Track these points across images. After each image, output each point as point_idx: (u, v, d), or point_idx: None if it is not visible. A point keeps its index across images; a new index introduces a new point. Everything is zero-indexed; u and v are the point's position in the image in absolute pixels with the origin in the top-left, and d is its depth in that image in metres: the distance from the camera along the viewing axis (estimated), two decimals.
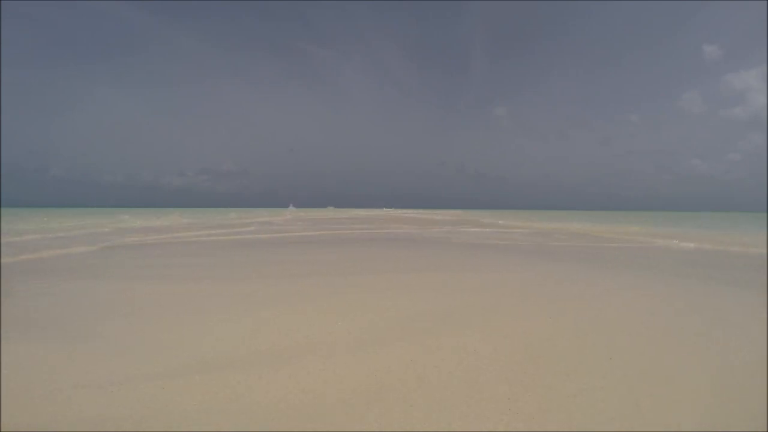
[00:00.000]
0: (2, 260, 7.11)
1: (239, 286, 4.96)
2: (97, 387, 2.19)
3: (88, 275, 5.72)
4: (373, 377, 2.31)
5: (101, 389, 2.16)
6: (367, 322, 3.35)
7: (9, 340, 2.91)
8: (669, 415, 1.91)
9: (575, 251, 9.22)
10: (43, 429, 1.80)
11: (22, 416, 1.90)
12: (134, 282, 5.22)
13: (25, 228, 16.17)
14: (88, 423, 1.85)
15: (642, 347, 2.78)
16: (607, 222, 27.52)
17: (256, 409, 1.97)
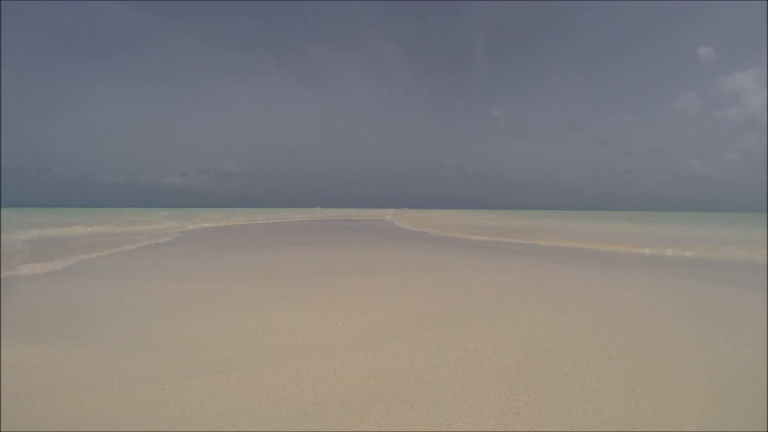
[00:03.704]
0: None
1: (239, 286, 4.96)
2: (97, 387, 2.19)
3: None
4: (373, 377, 2.31)
5: (101, 390, 2.16)
6: (367, 322, 3.35)
7: (9, 340, 2.91)
8: (669, 415, 1.91)
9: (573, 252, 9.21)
10: (43, 429, 1.80)
11: (22, 416, 1.90)
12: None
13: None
14: (88, 423, 1.84)
15: (641, 347, 2.77)
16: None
17: (256, 409, 1.96)
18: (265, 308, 3.84)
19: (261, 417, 1.89)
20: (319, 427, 1.82)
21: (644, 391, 2.13)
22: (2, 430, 1.79)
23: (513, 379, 2.26)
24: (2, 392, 2.12)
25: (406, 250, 9.48)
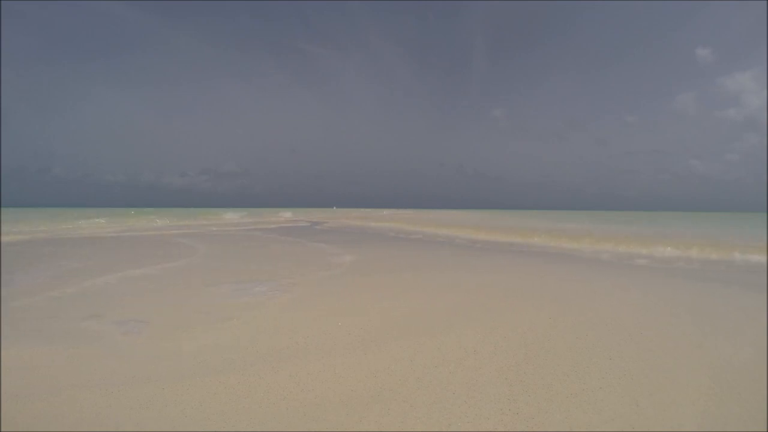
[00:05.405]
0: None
1: (239, 286, 4.96)
2: (97, 387, 2.18)
3: None
4: (373, 377, 2.31)
5: (101, 390, 2.16)
6: (367, 322, 3.35)
7: (9, 341, 2.91)
8: (669, 415, 1.91)
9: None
10: (43, 429, 1.80)
11: (22, 416, 1.90)
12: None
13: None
14: (88, 423, 1.84)
15: (641, 347, 2.77)
16: None
17: (256, 409, 1.96)
18: (264, 308, 3.84)
19: (261, 417, 1.89)
20: (319, 427, 1.82)
21: (644, 391, 2.13)
22: (2, 430, 1.79)
23: (513, 379, 2.26)
24: (2, 392, 2.12)
25: (405, 250, 9.48)
